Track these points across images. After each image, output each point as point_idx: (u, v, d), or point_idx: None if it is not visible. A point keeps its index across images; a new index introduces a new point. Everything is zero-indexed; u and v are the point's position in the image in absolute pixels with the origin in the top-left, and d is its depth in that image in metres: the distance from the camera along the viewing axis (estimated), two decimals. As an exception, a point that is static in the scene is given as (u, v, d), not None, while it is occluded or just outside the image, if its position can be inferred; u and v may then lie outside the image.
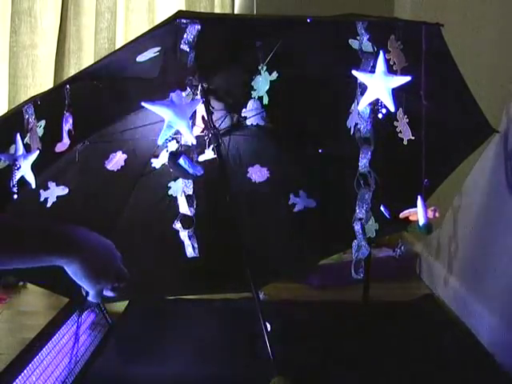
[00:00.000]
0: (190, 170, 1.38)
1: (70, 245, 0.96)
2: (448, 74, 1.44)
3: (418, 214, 1.33)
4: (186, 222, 1.51)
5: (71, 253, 0.95)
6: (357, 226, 1.38)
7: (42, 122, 1.38)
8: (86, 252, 0.97)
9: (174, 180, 1.60)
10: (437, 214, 1.37)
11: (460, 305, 1.86)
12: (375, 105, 1.29)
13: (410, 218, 1.38)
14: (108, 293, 1.07)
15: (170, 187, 1.64)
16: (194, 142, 1.37)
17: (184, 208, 1.49)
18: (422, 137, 1.28)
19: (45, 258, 0.94)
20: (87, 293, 1.06)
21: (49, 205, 1.56)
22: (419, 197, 1.32)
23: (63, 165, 1.58)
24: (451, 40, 1.36)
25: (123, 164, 1.65)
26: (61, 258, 0.94)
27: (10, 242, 0.91)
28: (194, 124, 1.41)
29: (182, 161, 1.34)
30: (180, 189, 1.50)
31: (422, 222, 1.33)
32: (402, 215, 1.40)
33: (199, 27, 1.24)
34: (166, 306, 1.95)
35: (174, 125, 1.24)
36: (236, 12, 2.64)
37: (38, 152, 1.34)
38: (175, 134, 1.31)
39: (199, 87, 1.45)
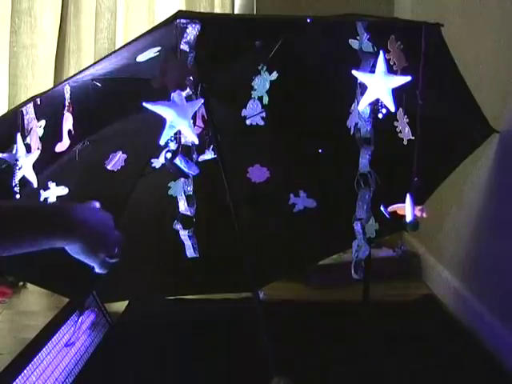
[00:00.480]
0: (186, 170, 1.39)
1: (69, 225, 0.93)
2: (448, 73, 1.44)
3: (406, 211, 1.34)
4: (186, 222, 1.51)
5: (71, 233, 0.93)
6: (357, 226, 1.38)
7: (42, 122, 1.38)
8: (85, 229, 0.94)
9: (174, 180, 1.60)
10: (424, 214, 1.37)
11: (460, 305, 1.86)
12: (375, 105, 1.29)
13: (398, 211, 1.38)
14: (111, 260, 1.06)
15: (169, 187, 1.64)
16: (197, 142, 1.37)
17: (184, 208, 1.49)
18: (418, 135, 1.28)
19: (44, 241, 0.93)
20: (93, 267, 1.05)
21: (49, 205, 1.55)
22: (408, 195, 1.33)
23: (63, 165, 1.58)
24: (451, 40, 1.37)
25: (123, 164, 1.64)
26: (61, 240, 0.92)
27: (8, 228, 0.90)
28: (194, 124, 1.41)
29: (178, 160, 1.35)
30: (180, 189, 1.50)
31: (408, 218, 1.34)
32: (390, 209, 1.41)
33: (199, 27, 1.24)
34: (166, 306, 1.95)
35: (176, 125, 1.24)
36: (236, 12, 2.64)
37: (38, 152, 1.34)
38: (175, 133, 1.31)
39: (199, 87, 1.45)
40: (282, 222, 1.87)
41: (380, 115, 1.29)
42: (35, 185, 1.36)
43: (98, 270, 1.01)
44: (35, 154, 1.33)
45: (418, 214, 1.35)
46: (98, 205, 1.05)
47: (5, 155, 1.34)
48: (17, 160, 1.32)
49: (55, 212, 0.95)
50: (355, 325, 1.76)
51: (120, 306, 1.90)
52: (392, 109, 1.26)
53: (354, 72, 1.27)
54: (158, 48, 1.30)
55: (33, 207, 0.95)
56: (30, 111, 1.34)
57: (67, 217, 0.94)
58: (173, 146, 1.35)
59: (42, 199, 1.55)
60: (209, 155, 1.55)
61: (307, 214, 1.82)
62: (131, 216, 1.79)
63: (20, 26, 2.51)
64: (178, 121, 1.24)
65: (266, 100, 1.50)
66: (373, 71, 1.26)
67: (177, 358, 1.57)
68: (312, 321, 1.82)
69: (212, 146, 1.54)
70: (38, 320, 1.75)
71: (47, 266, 1.45)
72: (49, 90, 1.43)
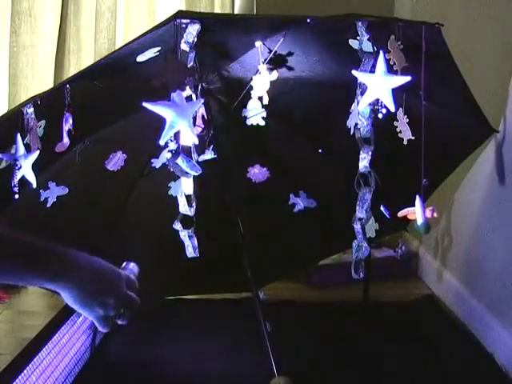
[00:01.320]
0: (189, 170, 1.38)
1: (64, 267, 0.88)
2: (448, 74, 1.44)
3: (416, 213, 1.33)
4: (186, 222, 1.50)
5: (64, 276, 0.87)
6: (357, 226, 1.38)
7: (42, 122, 1.38)
8: (83, 277, 0.89)
9: (174, 180, 1.60)
10: (435, 214, 1.37)
11: (460, 305, 1.86)
12: (375, 105, 1.29)
13: (409, 216, 1.38)
14: (118, 320, 1.00)
15: (170, 187, 1.64)
16: (197, 142, 1.37)
17: (184, 208, 1.49)
18: (421, 137, 1.28)
19: (33, 277, 0.87)
20: (95, 326, 1.00)
21: (49, 205, 1.56)
22: (418, 197, 1.32)
23: (63, 165, 1.58)
24: (451, 40, 1.37)
25: (123, 164, 1.64)
26: (51, 282, 0.87)
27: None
28: (194, 124, 1.41)
29: (180, 160, 1.34)
30: (180, 189, 1.50)
31: (420, 221, 1.34)
32: (400, 214, 1.40)
33: (199, 27, 1.24)
34: (166, 306, 1.95)
35: (176, 125, 1.24)
36: (236, 12, 2.64)
37: (38, 152, 1.34)
38: (175, 133, 1.30)
39: (199, 87, 1.45)
40: (282, 222, 1.87)
41: (380, 115, 1.29)
42: (34, 185, 1.36)
43: (98, 326, 0.95)
44: (35, 154, 1.33)
45: (429, 214, 1.35)
46: (132, 266, 1.00)
47: (4, 155, 1.34)
48: (16, 160, 1.32)
49: (54, 251, 0.87)
50: (355, 325, 1.76)
51: (120, 306, 1.90)
52: (392, 109, 1.26)
53: (353, 72, 1.26)
54: (158, 48, 1.30)
55: (31, 241, 0.89)
56: (29, 111, 1.34)
57: (65, 258, 0.88)
58: (172, 146, 1.35)
59: (42, 199, 1.55)
60: (209, 155, 1.55)
61: (307, 214, 1.81)
62: (131, 216, 1.79)
63: (20, 26, 2.50)
64: (178, 121, 1.24)
65: (266, 100, 1.50)
66: (373, 71, 1.26)
67: (177, 357, 1.57)
68: (312, 321, 1.82)
69: (212, 146, 1.54)
70: (38, 320, 1.75)
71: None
72: (49, 90, 1.43)
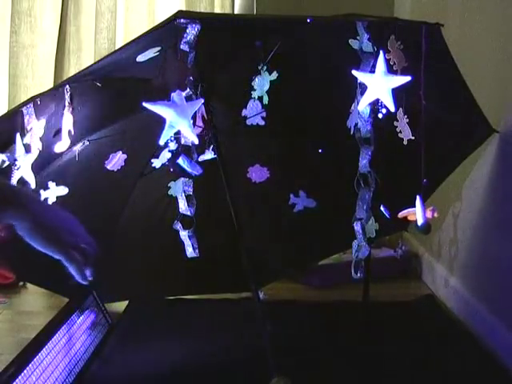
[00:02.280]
0: (189, 170, 1.38)
1: (24, 203, 0.98)
2: (448, 74, 1.45)
3: (417, 214, 1.33)
4: (186, 222, 1.50)
5: (23, 209, 0.97)
6: (357, 226, 1.38)
7: (42, 122, 1.38)
8: (40, 213, 0.99)
9: (174, 180, 1.60)
10: (435, 214, 1.37)
11: (460, 305, 1.86)
12: (375, 105, 1.29)
13: (409, 217, 1.38)
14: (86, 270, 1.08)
15: (169, 187, 1.64)
16: (197, 142, 1.37)
17: (184, 208, 1.49)
18: (421, 137, 1.29)
19: None
20: (68, 270, 1.06)
21: (49, 205, 1.55)
22: (418, 197, 1.32)
23: (63, 165, 1.58)
24: (451, 40, 1.37)
25: (123, 164, 1.64)
26: (12, 212, 0.96)
27: None
28: (194, 124, 1.41)
29: (181, 160, 1.35)
30: (180, 189, 1.50)
31: (420, 222, 1.34)
32: (400, 215, 1.40)
33: (199, 27, 1.24)
34: (166, 306, 1.95)
35: (176, 125, 1.24)
36: (236, 12, 2.64)
37: (37, 152, 1.34)
38: (175, 133, 1.31)
39: (199, 87, 1.45)
40: (281, 222, 1.87)
41: (380, 115, 1.29)
42: (33, 185, 1.36)
43: (72, 272, 1.03)
44: (34, 154, 1.33)
45: (430, 215, 1.35)
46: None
47: (4, 155, 1.34)
48: (15, 160, 1.32)
49: (13, 189, 1.03)
50: (355, 325, 1.76)
51: (120, 305, 1.90)
52: (392, 109, 1.26)
53: (354, 72, 1.26)
54: (158, 48, 1.30)
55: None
56: (30, 111, 1.34)
57: (24, 195, 1.00)
58: (173, 146, 1.35)
59: (41, 199, 1.55)
60: (209, 155, 1.55)
61: (307, 214, 1.82)
62: (131, 216, 1.79)
63: (20, 26, 2.51)
64: (178, 121, 1.24)
65: (265, 100, 1.50)
66: (373, 71, 1.26)
67: (177, 357, 1.57)
68: (312, 321, 1.82)
69: (212, 146, 1.54)
70: (38, 320, 1.75)
71: (47, 266, 1.45)
72: (49, 90, 1.43)
